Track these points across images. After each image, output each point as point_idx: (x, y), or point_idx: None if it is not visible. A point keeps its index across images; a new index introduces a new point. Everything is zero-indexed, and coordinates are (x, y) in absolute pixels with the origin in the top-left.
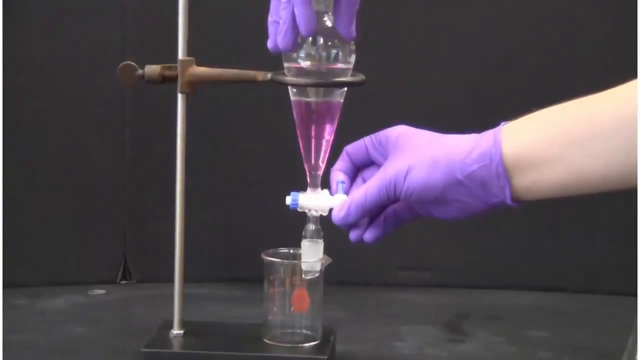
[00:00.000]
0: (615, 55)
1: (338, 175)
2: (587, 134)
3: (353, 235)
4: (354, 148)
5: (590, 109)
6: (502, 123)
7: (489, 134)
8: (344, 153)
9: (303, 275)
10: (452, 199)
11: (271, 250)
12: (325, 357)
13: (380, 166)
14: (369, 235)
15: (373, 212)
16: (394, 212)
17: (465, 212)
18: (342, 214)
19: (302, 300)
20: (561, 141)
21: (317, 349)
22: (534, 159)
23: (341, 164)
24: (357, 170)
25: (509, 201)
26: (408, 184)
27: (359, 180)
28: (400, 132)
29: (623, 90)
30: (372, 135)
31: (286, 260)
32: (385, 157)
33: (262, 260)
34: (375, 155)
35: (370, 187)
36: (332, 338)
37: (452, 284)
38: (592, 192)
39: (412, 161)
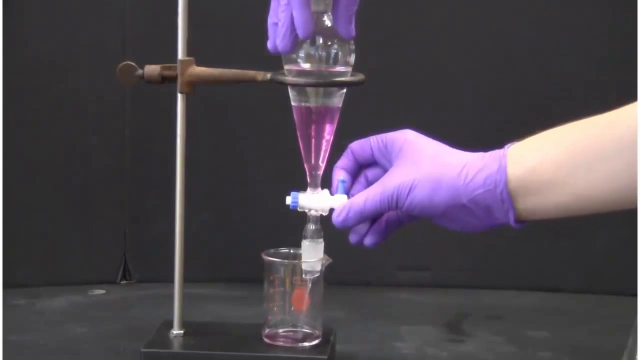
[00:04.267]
0: (617, 57)
1: (339, 173)
2: (591, 157)
3: (353, 238)
4: (358, 146)
5: (594, 131)
6: (507, 145)
7: (493, 157)
8: (348, 150)
9: (303, 275)
10: (455, 218)
11: (272, 250)
12: (325, 357)
13: (383, 169)
14: (368, 240)
15: (372, 218)
16: (395, 216)
17: (468, 229)
18: (341, 218)
19: (301, 300)
20: (565, 165)
21: (317, 349)
22: (538, 183)
23: (345, 161)
24: (361, 167)
25: (512, 223)
26: (411, 201)
27: (361, 178)
28: (407, 139)
29: (626, 111)
30: (379, 137)
31: (286, 260)
32: (390, 161)
33: (262, 260)
34: (379, 158)
35: (370, 195)
36: (332, 338)
37: (452, 284)
38: (594, 213)
39: (416, 177)
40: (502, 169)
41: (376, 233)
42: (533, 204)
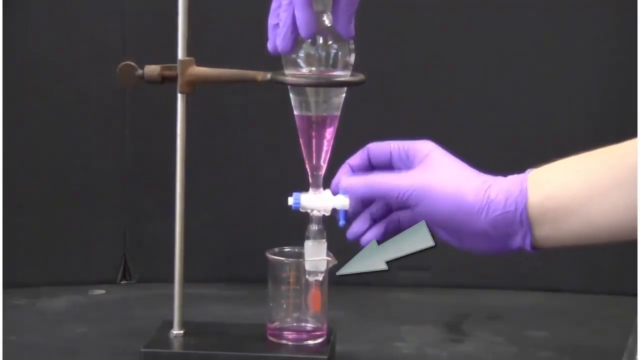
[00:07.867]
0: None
1: (344, 171)
2: (607, 185)
3: (350, 234)
4: (377, 148)
5: (610, 159)
6: (527, 171)
7: (514, 180)
8: (365, 149)
9: (307, 276)
10: (467, 237)
11: (276, 249)
12: (325, 357)
13: None
14: (366, 238)
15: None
16: (396, 224)
17: (476, 250)
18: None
19: (317, 301)
20: (581, 193)
21: (317, 349)
22: (555, 210)
23: (357, 159)
24: (372, 168)
25: (528, 247)
26: (428, 204)
27: None
28: (431, 152)
29: None
30: (400, 144)
31: (293, 259)
32: (409, 169)
33: (264, 259)
34: (398, 165)
35: (392, 177)
36: (332, 338)
37: (452, 284)
38: (608, 242)
39: (439, 186)
40: (524, 193)
41: (376, 233)
42: (549, 231)
